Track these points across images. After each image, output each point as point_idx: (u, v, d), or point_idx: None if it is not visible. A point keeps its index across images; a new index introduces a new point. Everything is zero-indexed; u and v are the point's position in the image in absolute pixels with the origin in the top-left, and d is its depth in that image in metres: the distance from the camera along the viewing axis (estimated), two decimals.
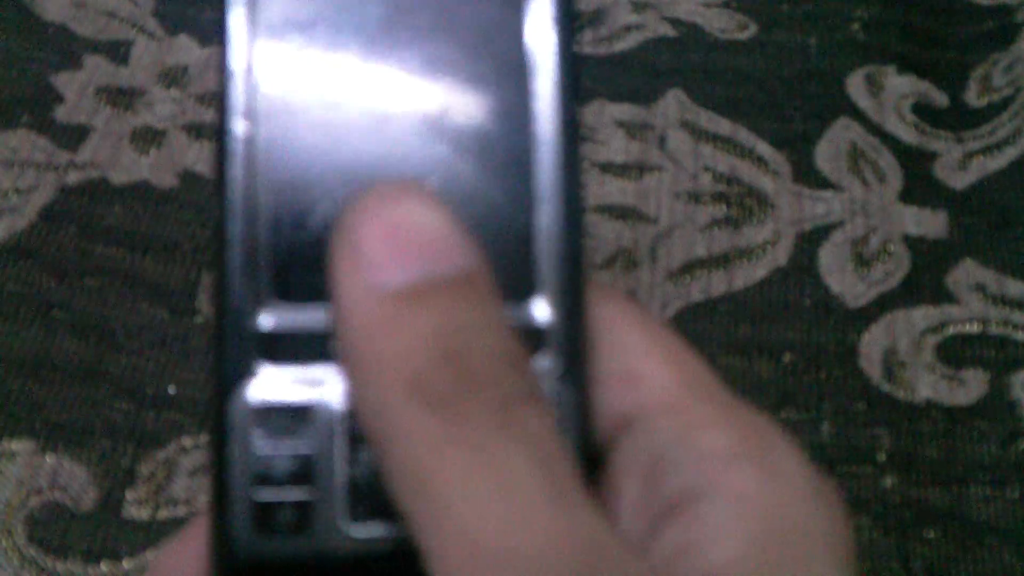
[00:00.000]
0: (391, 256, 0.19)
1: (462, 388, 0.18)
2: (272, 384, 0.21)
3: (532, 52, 0.22)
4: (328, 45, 0.21)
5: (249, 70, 0.21)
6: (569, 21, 0.22)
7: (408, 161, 0.21)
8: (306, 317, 0.21)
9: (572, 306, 0.21)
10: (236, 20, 0.21)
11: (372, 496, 0.21)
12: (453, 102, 0.21)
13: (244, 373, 0.21)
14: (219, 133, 0.21)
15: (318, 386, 0.21)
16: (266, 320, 0.21)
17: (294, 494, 0.21)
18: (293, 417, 0.21)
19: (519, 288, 0.21)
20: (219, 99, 0.21)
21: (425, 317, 0.18)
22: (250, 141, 0.21)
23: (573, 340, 0.21)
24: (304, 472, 0.21)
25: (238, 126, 0.21)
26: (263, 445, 0.21)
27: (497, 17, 0.22)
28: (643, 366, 0.22)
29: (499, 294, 0.20)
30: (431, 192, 0.19)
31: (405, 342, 0.18)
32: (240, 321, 0.21)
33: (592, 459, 0.22)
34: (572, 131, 0.22)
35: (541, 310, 0.21)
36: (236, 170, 0.21)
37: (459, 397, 0.18)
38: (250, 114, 0.21)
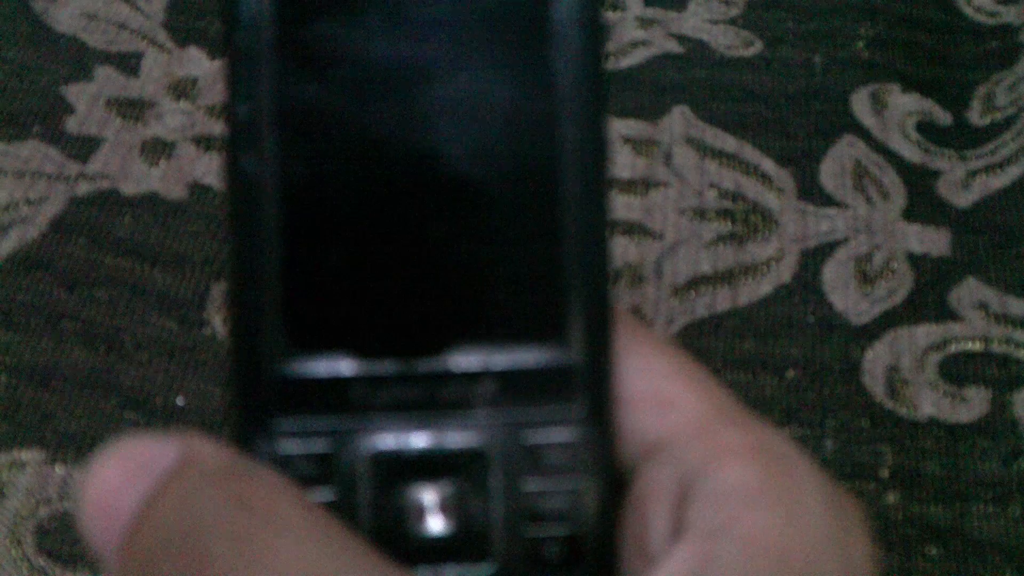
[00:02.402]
0: (100, 530, 0.20)
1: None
2: (293, 433, 0.21)
3: (558, 74, 0.21)
4: (350, 80, 0.21)
5: (261, 103, 0.21)
6: (597, 41, 0.21)
7: (432, 201, 0.21)
8: (326, 366, 0.21)
9: (597, 348, 0.21)
10: (242, 49, 0.21)
11: (397, 541, 0.21)
12: (473, 133, 0.21)
13: (265, 423, 0.21)
14: (230, 170, 0.21)
15: (340, 434, 0.21)
16: (286, 369, 0.21)
17: None
18: (316, 466, 0.21)
19: (543, 329, 0.21)
20: (228, 132, 0.21)
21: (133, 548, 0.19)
22: (263, 178, 0.21)
23: (598, 382, 0.21)
24: None
25: (249, 163, 0.21)
26: None
27: (522, 37, 0.21)
28: (671, 390, 0.21)
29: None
30: (111, 448, 0.20)
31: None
32: (259, 371, 0.21)
33: (618, 491, 0.21)
34: (599, 160, 0.21)
35: (565, 352, 0.21)
36: (250, 214, 0.21)
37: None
38: (263, 149, 0.21)
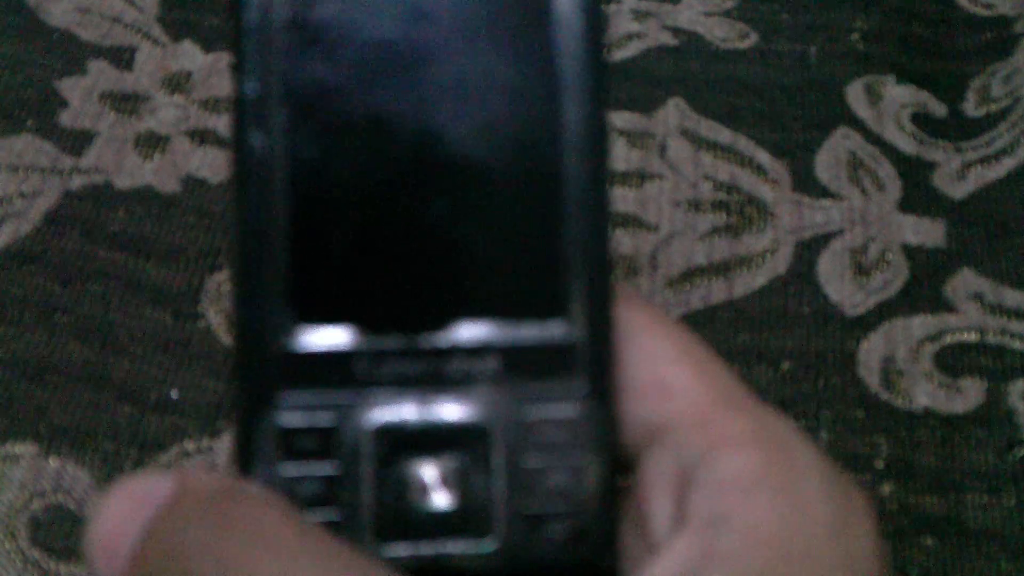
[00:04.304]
0: (106, 565, 0.21)
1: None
2: (297, 407, 0.21)
3: (561, 63, 0.21)
4: (354, 60, 0.21)
5: (268, 81, 0.21)
6: (598, 31, 0.22)
7: (436, 179, 0.21)
8: (330, 339, 0.21)
9: (599, 325, 0.21)
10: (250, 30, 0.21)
11: (400, 516, 0.21)
12: (480, 118, 0.21)
13: (269, 396, 0.21)
14: (236, 147, 0.21)
15: (343, 408, 0.21)
16: (290, 343, 0.21)
17: (321, 515, 0.21)
18: (319, 439, 0.21)
19: (545, 306, 0.21)
20: (235, 110, 0.21)
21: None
22: (269, 155, 0.21)
23: (600, 359, 0.21)
24: (330, 493, 0.21)
25: (256, 140, 0.21)
26: (289, 467, 0.21)
27: (524, 17, 0.21)
28: (673, 376, 0.22)
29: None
30: (113, 486, 0.21)
31: None
32: (263, 345, 0.21)
33: (619, 470, 0.22)
34: (600, 145, 0.21)
35: (567, 329, 0.21)
36: (257, 191, 0.21)
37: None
38: (269, 126, 0.21)
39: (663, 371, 0.22)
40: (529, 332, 0.21)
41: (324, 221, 0.21)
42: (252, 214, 0.21)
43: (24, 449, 0.51)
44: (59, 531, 0.49)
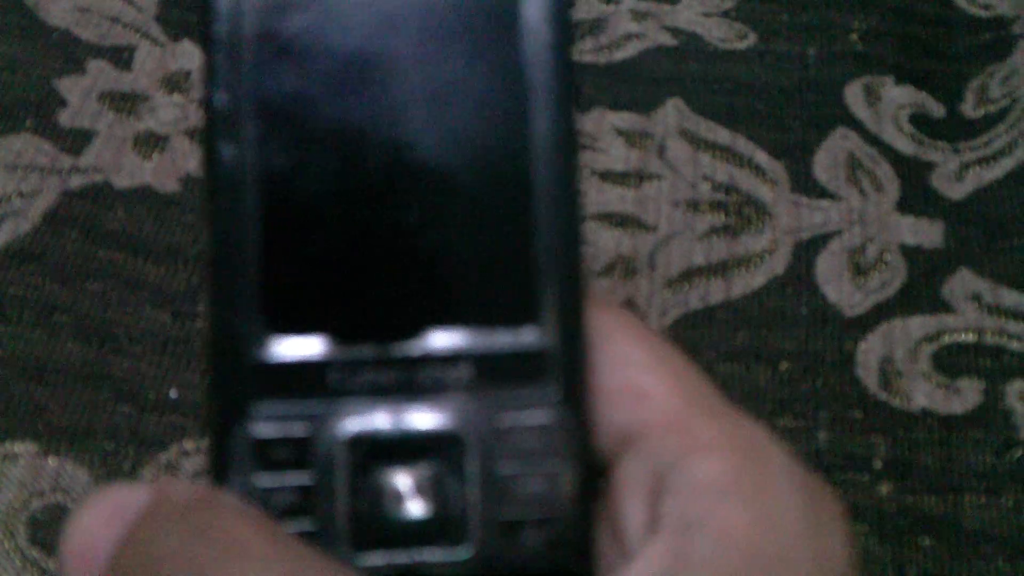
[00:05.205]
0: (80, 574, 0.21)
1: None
2: (271, 417, 0.21)
3: (529, 63, 0.21)
4: (324, 70, 0.21)
5: (238, 91, 0.21)
6: (566, 30, 0.22)
7: (406, 188, 0.21)
8: (304, 349, 0.21)
9: (571, 331, 0.21)
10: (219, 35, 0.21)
11: (375, 525, 0.21)
12: (448, 121, 0.21)
13: (243, 407, 0.21)
14: (207, 157, 0.21)
15: (318, 418, 0.21)
16: (263, 354, 0.21)
17: (296, 525, 0.21)
18: (293, 449, 0.21)
19: (517, 312, 0.21)
20: (205, 120, 0.21)
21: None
22: (240, 165, 0.21)
23: (573, 365, 0.21)
24: (305, 503, 0.21)
25: (227, 151, 0.21)
26: (264, 478, 0.21)
27: (493, 26, 0.21)
28: (646, 381, 0.22)
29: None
30: (89, 498, 0.21)
31: None
32: (237, 356, 0.21)
33: (593, 476, 0.22)
34: (570, 151, 0.21)
35: (540, 335, 0.21)
36: (228, 202, 0.21)
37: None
38: (240, 137, 0.21)
39: (637, 377, 0.22)
40: (501, 339, 0.21)
41: (295, 231, 0.21)
42: (223, 225, 0.21)
43: (23, 448, 0.51)
44: (58, 530, 0.49)
